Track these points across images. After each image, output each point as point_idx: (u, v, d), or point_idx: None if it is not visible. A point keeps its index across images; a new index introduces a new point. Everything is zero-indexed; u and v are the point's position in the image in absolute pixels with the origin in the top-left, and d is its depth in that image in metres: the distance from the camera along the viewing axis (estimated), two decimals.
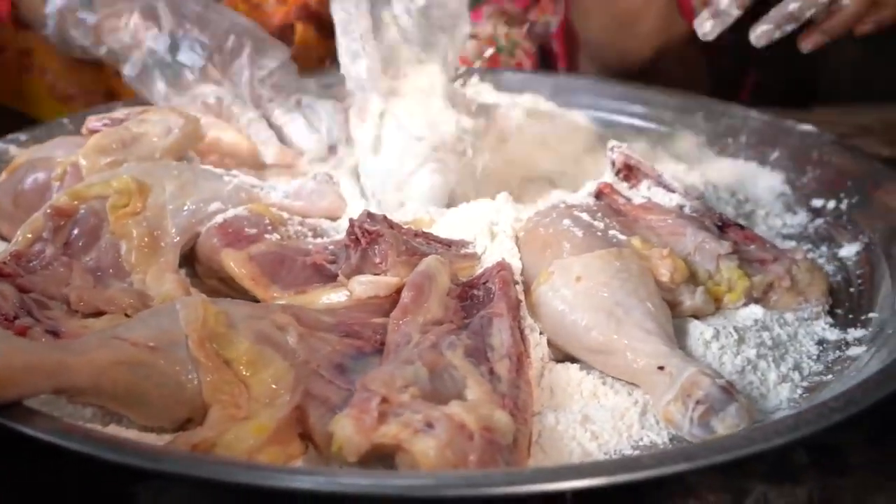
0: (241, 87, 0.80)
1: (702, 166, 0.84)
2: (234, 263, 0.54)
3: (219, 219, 0.59)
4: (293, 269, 0.54)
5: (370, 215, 0.56)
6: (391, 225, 0.57)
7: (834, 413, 0.42)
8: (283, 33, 1.04)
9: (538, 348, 0.54)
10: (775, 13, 0.69)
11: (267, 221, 0.58)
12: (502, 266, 0.57)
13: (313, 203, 0.65)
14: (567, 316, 0.54)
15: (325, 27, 1.06)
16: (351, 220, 0.55)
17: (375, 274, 0.53)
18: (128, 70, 0.79)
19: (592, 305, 0.54)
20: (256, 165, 0.77)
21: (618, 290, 0.54)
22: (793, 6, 0.69)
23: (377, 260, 0.54)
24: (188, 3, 0.80)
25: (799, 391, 0.52)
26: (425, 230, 0.62)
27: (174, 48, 0.79)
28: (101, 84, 0.97)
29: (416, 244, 0.57)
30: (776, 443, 0.40)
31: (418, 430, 0.39)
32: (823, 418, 0.41)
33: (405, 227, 0.60)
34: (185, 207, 0.60)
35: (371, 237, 0.54)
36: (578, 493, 0.36)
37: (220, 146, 0.76)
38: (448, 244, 0.60)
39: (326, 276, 0.55)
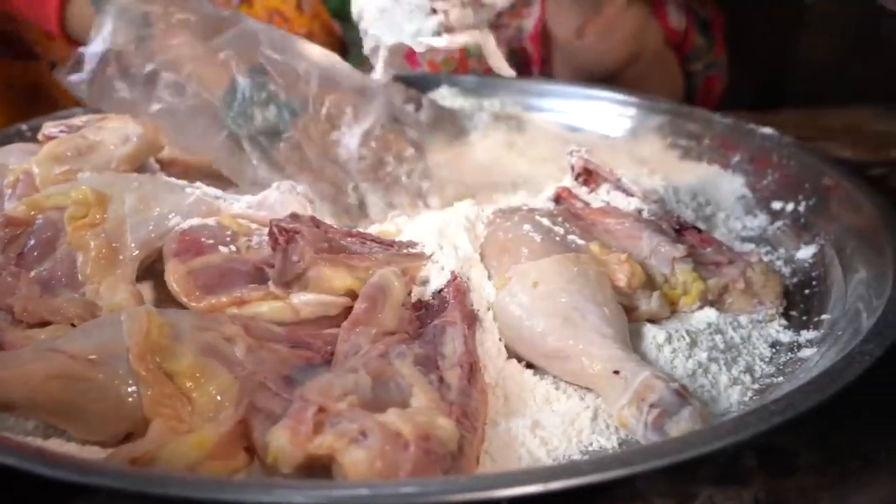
0: (346, 164, 0.63)
1: (665, 170, 0.84)
2: (173, 277, 0.53)
3: (184, 225, 0.58)
4: (234, 279, 0.54)
5: (294, 216, 0.55)
6: (317, 224, 0.56)
7: (774, 416, 0.42)
8: None
9: (497, 355, 0.54)
10: None
11: (229, 233, 0.57)
12: (456, 276, 0.57)
13: (276, 213, 0.63)
14: (524, 321, 0.54)
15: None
16: (270, 221, 0.54)
17: (298, 274, 0.52)
18: (183, 139, 0.65)
19: (549, 311, 0.54)
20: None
21: (575, 294, 0.54)
22: None
23: (295, 258, 0.53)
24: (259, 43, 0.64)
25: (749, 393, 0.52)
26: (363, 231, 0.61)
27: (250, 111, 0.63)
28: (27, 79, 0.94)
29: (345, 243, 0.56)
30: (715, 446, 0.40)
31: (353, 439, 0.39)
32: (764, 421, 0.41)
33: (338, 227, 0.58)
34: (146, 220, 0.59)
35: (288, 235, 0.53)
36: (514, 502, 0.36)
37: (187, 160, 0.73)
38: (389, 244, 0.59)
39: (264, 280, 0.54)
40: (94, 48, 0.64)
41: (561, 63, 1.02)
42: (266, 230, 0.56)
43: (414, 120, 0.67)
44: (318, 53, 0.67)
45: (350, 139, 0.62)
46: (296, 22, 1.07)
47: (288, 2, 1.08)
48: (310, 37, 1.07)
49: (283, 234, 0.54)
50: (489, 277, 0.59)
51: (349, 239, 0.58)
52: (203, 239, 0.56)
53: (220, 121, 0.63)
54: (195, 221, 0.58)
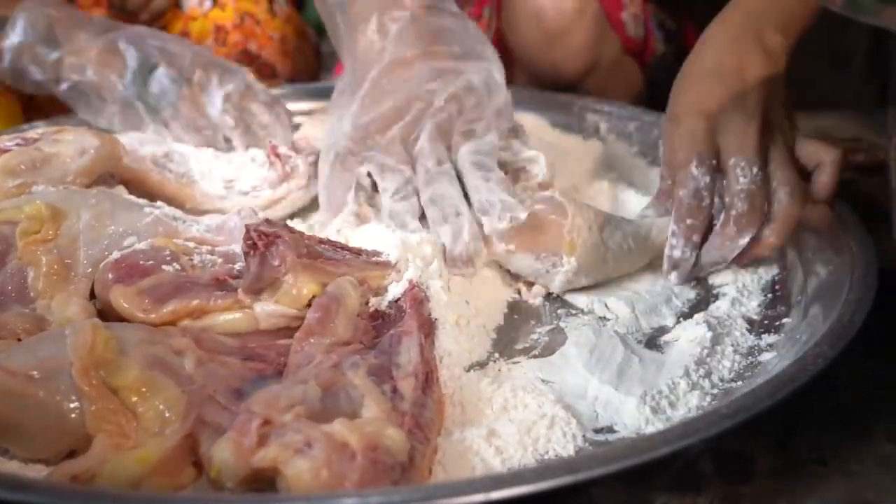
0: (216, 120, 0.78)
1: (633, 176, 0.84)
2: (123, 299, 0.52)
3: (116, 254, 0.56)
4: (192, 291, 0.53)
5: (268, 221, 0.54)
6: (291, 230, 0.55)
7: (724, 419, 0.41)
8: None
9: (453, 364, 0.54)
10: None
11: (167, 253, 0.56)
12: (414, 285, 0.57)
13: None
14: (618, 255, 0.64)
15: (263, 70, 1.06)
16: (247, 226, 0.53)
17: (275, 278, 0.52)
18: (85, 111, 0.79)
19: (622, 235, 0.64)
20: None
21: (610, 215, 0.65)
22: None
23: (276, 262, 0.52)
24: (147, 38, 0.80)
25: (708, 399, 0.52)
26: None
27: (144, 82, 0.79)
28: None
29: (319, 249, 0.56)
30: (662, 452, 0.39)
31: (297, 450, 0.38)
32: (713, 425, 0.41)
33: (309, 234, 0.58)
34: (100, 238, 0.58)
35: (268, 239, 0.52)
36: None
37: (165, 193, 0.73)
38: (357, 252, 0.59)
39: (228, 290, 0.53)
40: (11, 42, 0.79)
41: (519, 73, 1.02)
42: (205, 248, 0.56)
43: (267, 96, 0.81)
44: (190, 43, 0.84)
45: (215, 100, 0.78)
46: (268, 25, 1.07)
47: (260, 5, 1.07)
48: (283, 41, 1.08)
49: (263, 238, 0.53)
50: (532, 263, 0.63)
51: (322, 246, 0.58)
52: (141, 262, 0.54)
53: (115, 93, 0.79)
54: (126, 250, 0.57)
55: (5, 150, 0.66)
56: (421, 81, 0.64)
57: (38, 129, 0.70)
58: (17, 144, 0.67)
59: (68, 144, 0.67)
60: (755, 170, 0.59)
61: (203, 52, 0.81)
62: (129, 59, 0.78)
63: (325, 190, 0.67)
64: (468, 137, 0.65)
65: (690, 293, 0.65)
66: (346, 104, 0.68)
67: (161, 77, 0.78)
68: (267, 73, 1.06)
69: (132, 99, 0.79)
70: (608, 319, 0.61)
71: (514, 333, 0.60)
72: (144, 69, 0.79)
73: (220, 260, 0.58)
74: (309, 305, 0.53)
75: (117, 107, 0.79)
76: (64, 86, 0.79)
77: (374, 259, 0.59)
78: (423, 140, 0.64)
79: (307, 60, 1.12)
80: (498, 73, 0.67)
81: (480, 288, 0.64)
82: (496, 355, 0.58)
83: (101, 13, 1.03)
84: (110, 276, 0.53)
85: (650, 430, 0.49)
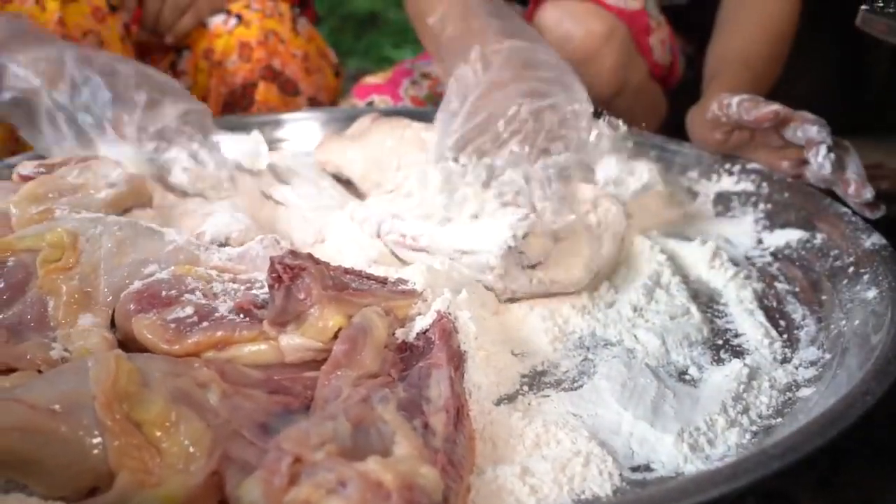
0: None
1: (659, 203, 0.83)
2: (147, 330, 0.51)
3: (137, 284, 0.56)
4: (216, 322, 0.51)
5: (293, 253, 0.54)
6: (317, 261, 0.54)
7: (774, 460, 0.40)
8: (246, 92, 1.06)
9: (482, 399, 0.52)
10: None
11: (189, 282, 0.55)
12: (442, 315, 0.56)
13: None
14: None
15: (287, 87, 1.07)
16: (272, 258, 0.52)
17: (301, 311, 0.50)
18: (19, 118, 0.75)
19: None
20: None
21: None
22: None
23: (301, 296, 0.51)
24: (99, 55, 0.78)
25: (748, 436, 0.50)
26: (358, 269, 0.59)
27: (76, 95, 0.74)
28: None
29: (345, 280, 0.55)
30: (711, 494, 0.38)
31: (330, 490, 0.37)
32: (763, 466, 0.39)
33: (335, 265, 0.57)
34: (121, 266, 0.57)
35: (294, 272, 0.51)
36: None
37: None
38: (383, 281, 0.58)
39: (253, 319, 0.52)
40: None
41: None
42: (227, 276, 0.54)
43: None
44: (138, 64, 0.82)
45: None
46: (292, 43, 1.08)
47: (284, 23, 1.09)
48: (306, 59, 1.09)
49: (288, 271, 0.52)
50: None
51: (347, 276, 0.57)
52: (164, 292, 0.53)
53: (48, 103, 0.74)
54: (148, 280, 0.56)
55: (26, 177, 0.66)
56: (511, 98, 0.70)
57: (57, 157, 0.70)
58: (39, 171, 0.67)
59: (97, 176, 0.66)
60: None
61: (151, 74, 0.78)
62: (68, 68, 0.75)
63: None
64: (545, 155, 0.70)
65: (720, 326, 0.63)
66: (449, 121, 0.72)
67: (97, 90, 0.74)
68: (290, 90, 1.07)
69: (62, 110, 0.74)
70: (638, 351, 0.60)
71: (542, 365, 0.59)
72: (83, 83, 0.75)
73: (242, 288, 0.57)
74: (335, 337, 0.52)
75: (46, 117, 0.74)
76: (6, 96, 0.74)
77: (399, 288, 0.58)
78: (514, 144, 0.70)
79: (327, 79, 1.13)
80: (584, 104, 0.73)
81: (508, 319, 0.63)
82: (525, 388, 0.56)
83: (134, 29, 1.04)
84: (132, 306, 0.52)
85: (689, 468, 0.48)
